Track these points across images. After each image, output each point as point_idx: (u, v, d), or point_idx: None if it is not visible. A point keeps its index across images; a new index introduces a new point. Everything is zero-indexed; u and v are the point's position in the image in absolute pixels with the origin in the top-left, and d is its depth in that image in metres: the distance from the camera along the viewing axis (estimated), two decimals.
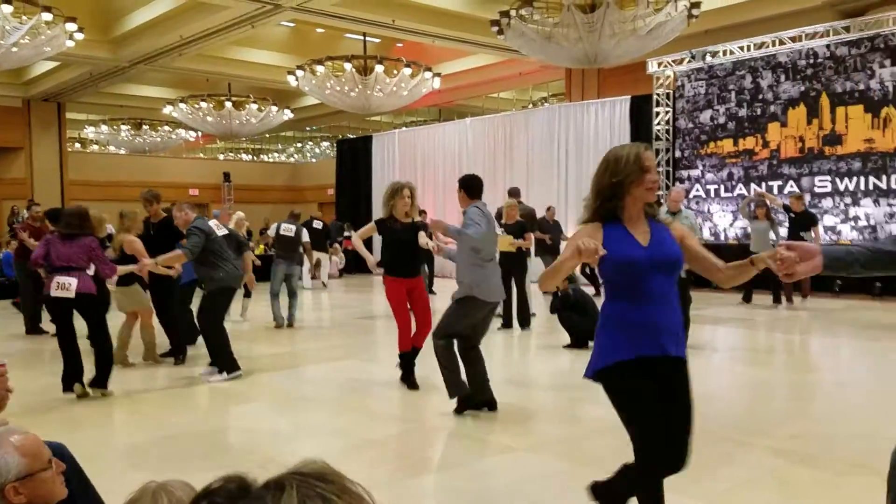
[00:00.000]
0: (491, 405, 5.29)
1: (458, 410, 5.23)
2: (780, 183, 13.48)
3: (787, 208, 11.42)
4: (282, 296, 10.11)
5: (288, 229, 10.26)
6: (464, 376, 5.28)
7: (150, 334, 7.49)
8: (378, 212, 20.86)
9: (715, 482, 3.87)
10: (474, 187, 5.43)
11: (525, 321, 9.39)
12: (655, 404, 2.76)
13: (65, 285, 5.79)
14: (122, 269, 6.68)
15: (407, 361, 6.25)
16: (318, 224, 15.51)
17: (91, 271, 6.07)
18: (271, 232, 10.21)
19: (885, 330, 9.28)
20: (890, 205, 12.25)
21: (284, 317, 10.00)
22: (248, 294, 10.64)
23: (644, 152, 2.75)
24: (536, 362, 7.59)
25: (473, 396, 5.24)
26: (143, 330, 7.48)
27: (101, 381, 6.07)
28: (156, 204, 7.78)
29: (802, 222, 11.04)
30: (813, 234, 10.91)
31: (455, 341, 5.26)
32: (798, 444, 4.52)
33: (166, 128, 22.22)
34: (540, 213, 12.63)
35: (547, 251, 12.32)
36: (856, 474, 3.96)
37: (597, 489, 3.10)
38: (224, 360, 6.71)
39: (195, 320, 7.22)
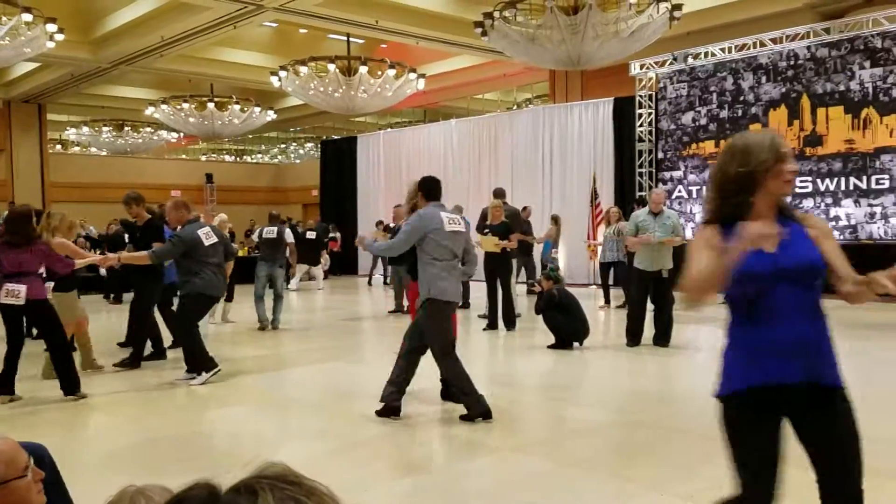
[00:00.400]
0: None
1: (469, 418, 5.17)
2: None
3: None
4: (266, 298, 10.07)
5: (270, 231, 10.22)
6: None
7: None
8: (364, 212, 20.73)
9: (694, 480, 3.90)
10: (433, 189, 5.38)
11: (510, 322, 9.40)
12: (768, 450, 2.36)
13: (14, 292, 5.69)
14: (81, 262, 6.52)
15: None
16: (311, 235, 15.41)
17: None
18: (255, 236, 10.18)
19: (869, 329, 9.38)
20: (870, 205, 12.38)
21: (269, 319, 9.97)
22: (229, 298, 10.57)
23: (779, 138, 2.30)
24: (521, 363, 7.60)
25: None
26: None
27: (69, 388, 5.96)
28: (136, 206, 7.68)
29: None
30: None
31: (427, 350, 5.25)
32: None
33: (148, 129, 22.08)
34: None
35: (521, 251, 12.24)
36: None
37: None
38: (200, 361, 6.67)
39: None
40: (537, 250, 14.44)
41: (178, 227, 6.75)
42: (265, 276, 10.06)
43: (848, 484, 2.28)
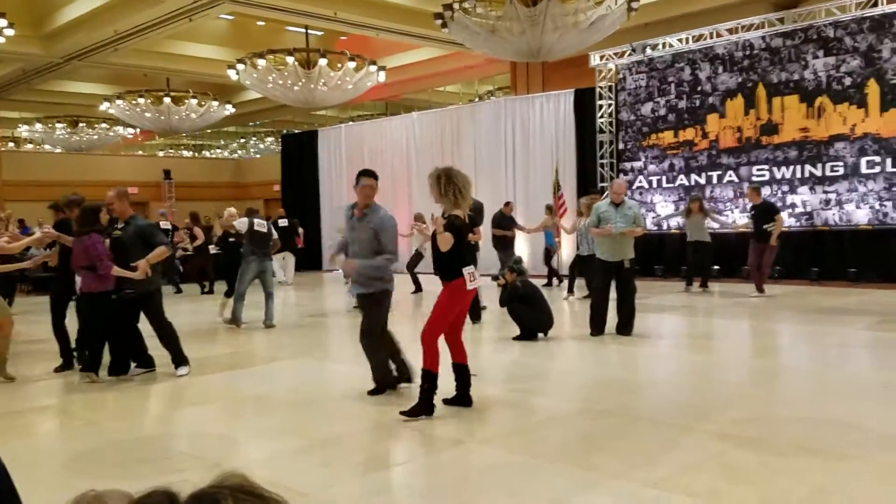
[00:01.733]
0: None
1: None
2: (719, 173, 13.80)
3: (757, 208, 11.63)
4: (249, 296, 9.90)
5: (261, 225, 9.89)
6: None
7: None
8: (326, 206, 20.55)
9: (658, 467, 3.95)
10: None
11: (476, 315, 9.42)
12: None
13: None
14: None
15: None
16: (283, 222, 15.40)
17: None
18: (241, 227, 9.81)
19: (823, 314, 9.60)
20: (825, 192, 12.66)
21: (243, 319, 9.80)
22: (228, 294, 10.42)
23: None
24: (487, 355, 7.63)
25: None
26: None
27: None
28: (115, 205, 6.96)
29: (762, 214, 11.25)
30: (775, 224, 11.06)
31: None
32: (741, 427, 4.64)
33: (103, 125, 21.61)
34: (496, 208, 12.70)
35: (502, 246, 12.33)
36: (797, 455, 4.08)
37: None
38: (178, 355, 6.81)
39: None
40: (535, 242, 14.56)
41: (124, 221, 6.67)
42: (255, 272, 9.73)
43: None
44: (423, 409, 5.04)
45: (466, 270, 5.02)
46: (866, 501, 3.45)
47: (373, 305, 5.74)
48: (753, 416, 4.91)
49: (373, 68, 13.90)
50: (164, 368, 6.93)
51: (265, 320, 9.76)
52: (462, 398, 5.25)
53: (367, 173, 5.79)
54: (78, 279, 6.53)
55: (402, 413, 5.04)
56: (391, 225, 5.73)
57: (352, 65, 13.41)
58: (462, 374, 5.25)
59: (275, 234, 10.36)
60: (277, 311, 10.07)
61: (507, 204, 13.20)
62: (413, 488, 3.90)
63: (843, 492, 3.56)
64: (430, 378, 5.05)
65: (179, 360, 6.83)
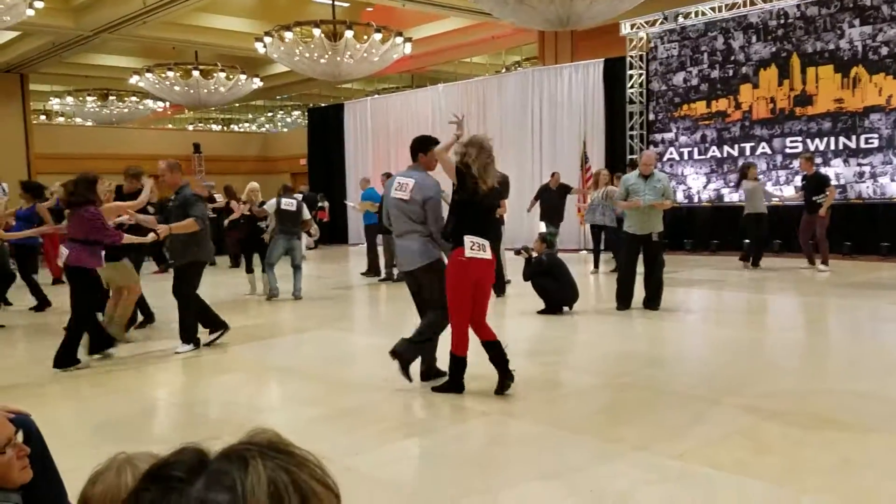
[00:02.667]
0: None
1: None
2: (752, 144, 13.55)
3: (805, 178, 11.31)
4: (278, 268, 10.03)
5: (289, 203, 9.96)
6: None
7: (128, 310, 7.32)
8: (352, 180, 20.60)
9: (683, 440, 3.93)
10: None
11: (500, 288, 9.40)
12: None
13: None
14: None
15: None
16: (297, 197, 15.38)
17: None
18: (269, 207, 9.95)
19: (856, 288, 9.45)
20: (859, 164, 12.38)
21: (279, 288, 9.92)
22: (248, 269, 10.58)
23: None
24: (511, 328, 7.63)
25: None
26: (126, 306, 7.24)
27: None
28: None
29: (814, 184, 10.88)
30: (827, 195, 10.73)
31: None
32: (768, 401, 4.59)
33: (133, 98, 21.80)
34: (522, 181, 12.48)
35: (550, 218, 12.08)
36: (824, 428, 4.04)
37: None
38: (192, 332, 6.73)
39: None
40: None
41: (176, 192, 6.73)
42: (283, 249, 9.85)
43: None
44: (452, 387, 4.95)
45: (469, 239, 4.87)
46: (893, 474, 3.40)
47: (434, 276, 5.27)
48: (781, 390, 4.86)
49: (399, 40, 13.79)
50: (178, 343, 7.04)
51: (293, 292, 9.86)
52: (502, 378, 4.92)
53: (434, 141, 5.50)
54: (64, 250, 6.19)
55: (434, 388, 5.04)
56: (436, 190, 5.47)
57: (378, 36, 13.32)
58: (494, 350, 4.96)
59: (306, 214, 10.37)
60: (303, 282, 10.13)
61: (554, 175, 12.62)
62: (436, 457, 3.93)
63: (869, 464, 3.52)
64: (456, 361, 4.95)
65: (187, 337, 6.69)
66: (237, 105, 26.92)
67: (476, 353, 5.18)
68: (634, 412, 4.54)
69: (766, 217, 11.46)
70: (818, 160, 12.75)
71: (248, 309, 9.35)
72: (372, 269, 12.08)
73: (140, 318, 7.86)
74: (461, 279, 4.89)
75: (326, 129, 21.62)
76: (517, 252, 8.76)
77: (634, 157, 13.93)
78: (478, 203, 4.93)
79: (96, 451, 3.76)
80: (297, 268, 9.97)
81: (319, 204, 19.13)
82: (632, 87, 14.90)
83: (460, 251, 4.89)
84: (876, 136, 12.17)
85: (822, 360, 5.92)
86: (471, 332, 4.98)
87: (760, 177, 12.26)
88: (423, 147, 5.44)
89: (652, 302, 8.10)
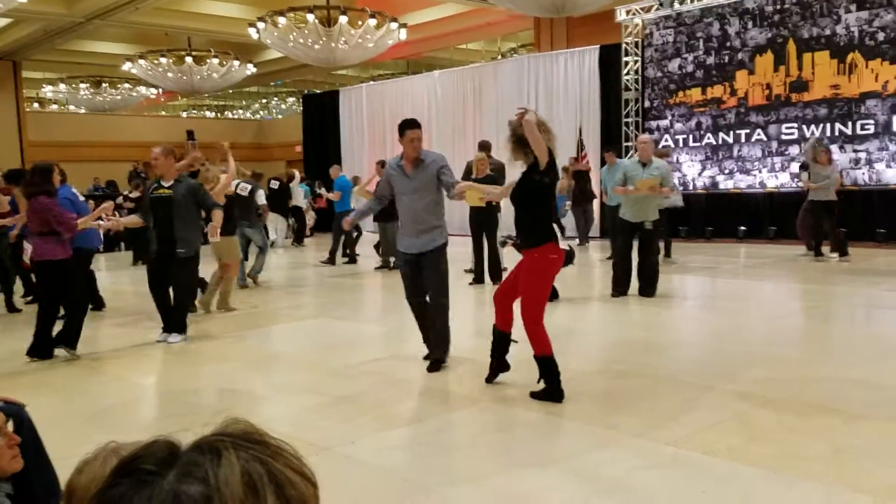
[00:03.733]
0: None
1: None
2: (747, 131, 13.53)
3: (803, 166, 11.08)
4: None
5: (244, 189, 9.67)
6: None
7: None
8: (348, 167, 20.60)
9: (678, 426, 3.94)
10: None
11: (497, 276, 9.40)
12: None
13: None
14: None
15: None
16: (275, 184, 15.23)
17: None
18: (242, 191, 9.73)
19: (851, 274, 9.46)
20: (855, 150, 12.38)
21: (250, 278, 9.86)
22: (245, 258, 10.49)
23: None
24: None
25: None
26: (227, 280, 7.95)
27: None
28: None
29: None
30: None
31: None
32: (762, 387, 4.60)
33: (126, 85, 21.66)
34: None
35: (578, 202, 12.56)
36: (818, 415, 4.05)
37: None
38: (183, 323, 6.70)
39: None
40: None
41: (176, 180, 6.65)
42: (242, 236, 9.52)
43: None
44: (552, 394, 4.46)
45: (557, 230, 4.54)
46: (886, 461, 3.41)
47: (441, 258, 5.26)
48: (775, 377, 4.87)
49: (394, 26, 13.71)
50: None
51: (248, 272, 9.75)
52: (499, 368, 4.90)
53: (413, 124, 5.29)
54: (28, 247, 6.10)
55: (533, 395, 4.52)
56: (445, 159, 5.44)
57: (372, 22, 13.24)
58: (503, 342, 4.87)
59: (261, 199, 10.03)
60: (298, 270, 10.11)
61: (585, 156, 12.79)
62: (433, 445, 3.94)
63: (862, 451, 3.53)
64: (549, 362, 4.51)
65: (181, 328, 6.63)
66: (231, 92, 26.79)
67: (469, 340, 5.19)
68: (629, 399, 4.54)
69: (836, 204, 10.52)
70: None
71: (242, 297, 9.33)
72: (331, 259, 12.12)
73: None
74: (548, 278, 4.58)
75: (322, 115, 21.53)
76: (502, 244, 8.73)
77: (631, 144, 13.87)
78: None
79: (89, 441, 3.75)
80: (259, 249, 9.84)
81: (317, 191, 19.06)
82: (627, 73, 14.85)
83: (553, 248, 4.47)
84: (872, 122, 12.16)
85: (816, 347, 5.94)
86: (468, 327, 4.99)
87: (750, 164, 12.09)
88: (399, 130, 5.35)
89: (647, 290, 8.10)
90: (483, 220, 9.27)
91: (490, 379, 4.88)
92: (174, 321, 6.63)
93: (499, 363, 4.89)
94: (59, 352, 6.04)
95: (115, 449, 1.55)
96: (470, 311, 8.00)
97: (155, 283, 6.59)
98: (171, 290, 6.62)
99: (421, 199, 5.24)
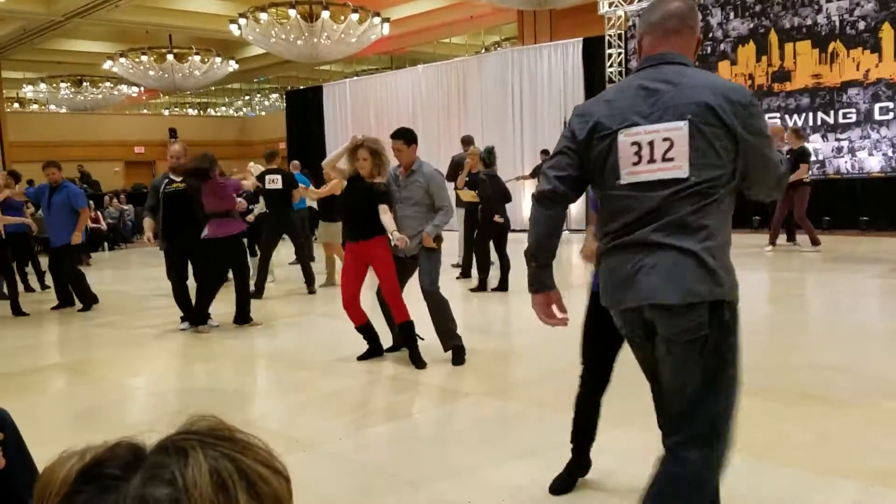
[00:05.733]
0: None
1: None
2: None
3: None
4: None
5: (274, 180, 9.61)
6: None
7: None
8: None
9: None
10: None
11: (485, 270, 9.39)
12: None
13: None
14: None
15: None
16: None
17: None
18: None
19: (834, 262, 9.53)
20: (838, 139, 12.46)
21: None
22: (253, 254, 10.35)
23: None
24: (495, 309, 7.64)
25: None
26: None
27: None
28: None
29: (795, 159, 10.36)
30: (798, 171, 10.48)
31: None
32: (748, 376, 4.58)
33: (107, 84, 21.48)
34: (504, 161, 12.52)
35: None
36: (804, 403, 4.08)
37: None
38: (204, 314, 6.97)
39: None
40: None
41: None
42: None
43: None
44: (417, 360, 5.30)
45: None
46: (871, 449, 3.44)
47: (433, 254, 5.39)
48: (762, 365, 4.90)
49: (376, 20, 13.68)
50: (165, 327, 6.98)
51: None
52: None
53: (394, 134, 5.45)
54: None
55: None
56: (441, 177, 5.50)
57: (355, 17, 13.20)
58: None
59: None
60: (282, 269, 10.06)
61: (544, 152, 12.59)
62: (419, 439, 3.93)
63: (848, 439, 3.56)
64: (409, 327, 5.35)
65: (202, 318, 6.92)
66: (213, 89, 26.64)
67: (461, 334, 5.17)
68: (616, 389, 4.53)
69: None
70: None
71: (226, 297, 9.27)
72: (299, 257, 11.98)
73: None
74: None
75: (305, 111, 21.41)
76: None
77: None
78: None
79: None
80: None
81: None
82: (611, 66, 14.87)
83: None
84: (854, 111, 12.25)
85: (802, 335, 5.98)
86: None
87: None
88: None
89: None
90: (476, 215, 9.27)
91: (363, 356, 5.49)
92: (196, 310, 6.90)
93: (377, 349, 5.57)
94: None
95: (84, 451, 1.52)
96: (458, 304, 7.98)
97: (178, 277, 6.95)
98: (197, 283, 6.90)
99: (408, 207, 5.35)
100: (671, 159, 2.04)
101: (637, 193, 2.10)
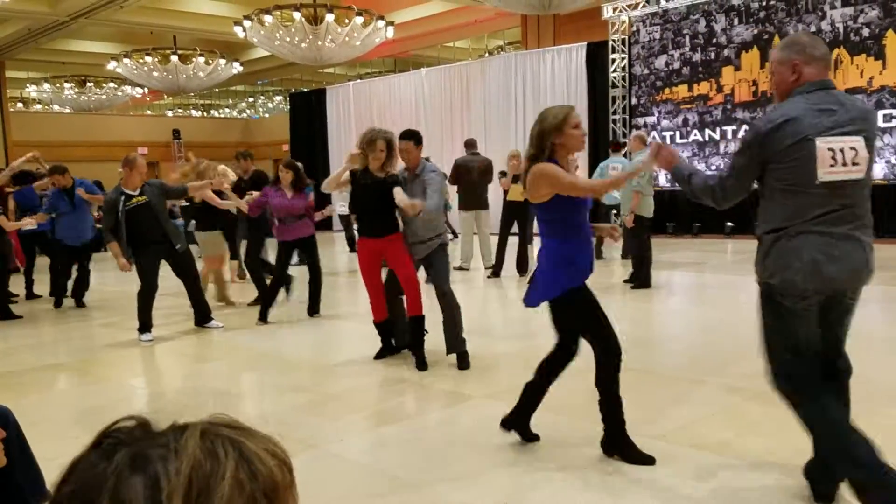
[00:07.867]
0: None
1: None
2: (733, 128, 13.59)
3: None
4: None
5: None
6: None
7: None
8: (335, 166, 20.64)
9: (667, 420, 3.95)
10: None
11: (524, 268, 9.60)
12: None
13: None
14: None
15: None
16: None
17: None
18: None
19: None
20: None
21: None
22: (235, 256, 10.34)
23: (570, 111, 3.54)
24: (507, 312, 7.64)
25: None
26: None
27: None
28: (245, 161, 9.14)
29: None
30: None
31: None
32: (751, 381, 4.61)
33: (111, 84, 21.51)
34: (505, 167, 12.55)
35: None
36: None
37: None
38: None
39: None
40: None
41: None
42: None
43: None
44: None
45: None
46: None
47: (443, 256, 5.39)
48: (763, 370, 4.88)
49: (381, 24, 13.69)
50: (167, 328, 6.97)
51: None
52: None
53: (402, 135, 5.41)
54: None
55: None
56: (440, 178, 5.52)
57: (359, 20, 13.21)
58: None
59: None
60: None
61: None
62: (421, 442, 3.93)
63: None
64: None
65: (206, 317, 7.17)
66: (217, 90, 26.68)
67: (468, 335, 5.17)
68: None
69: None
70: None
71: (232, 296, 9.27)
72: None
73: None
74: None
75: (309, 114, 21.45)
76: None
77: (625, 141, 13.93)
78: None
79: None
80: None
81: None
82: (614, 71, 14.88)
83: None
84: None
85: None
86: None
87: None
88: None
89: (634, 280, 8.35)
90: (520, 213, 9.40)
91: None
92: (203, 311, 7.09)
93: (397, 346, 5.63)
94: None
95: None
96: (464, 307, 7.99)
97: (150, 288, 6.70)
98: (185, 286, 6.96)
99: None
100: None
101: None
